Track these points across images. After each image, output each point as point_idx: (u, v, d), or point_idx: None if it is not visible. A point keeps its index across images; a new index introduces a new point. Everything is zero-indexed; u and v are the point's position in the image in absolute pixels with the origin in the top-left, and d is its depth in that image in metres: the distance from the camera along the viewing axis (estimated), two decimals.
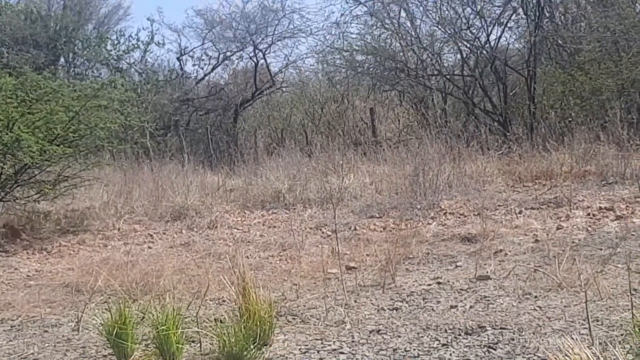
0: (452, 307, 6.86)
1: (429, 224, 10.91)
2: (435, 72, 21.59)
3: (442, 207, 11.74)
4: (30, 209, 12.58)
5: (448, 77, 21.49)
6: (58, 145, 11.69)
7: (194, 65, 26.11)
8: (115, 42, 25.77)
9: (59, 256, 10.55)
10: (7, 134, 11.16)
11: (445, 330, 6.18)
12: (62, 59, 26.03)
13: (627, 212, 10.42)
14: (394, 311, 6.89)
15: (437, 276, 8.06)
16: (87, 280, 8.22)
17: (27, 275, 9.48)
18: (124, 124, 13.61)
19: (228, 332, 5.87)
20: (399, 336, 6.14)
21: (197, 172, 16.13)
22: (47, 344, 6.68)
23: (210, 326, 6.28)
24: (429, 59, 21.71)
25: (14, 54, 21.09)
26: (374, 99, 22.90)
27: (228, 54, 25.66)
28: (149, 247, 10.69)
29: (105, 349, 6.29)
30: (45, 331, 7.09)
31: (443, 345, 5.85)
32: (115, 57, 25.53)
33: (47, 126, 11.79)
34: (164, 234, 11.63)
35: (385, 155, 15.63)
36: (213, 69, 26.00)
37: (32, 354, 6.45)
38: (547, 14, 20.26)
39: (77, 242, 11.21)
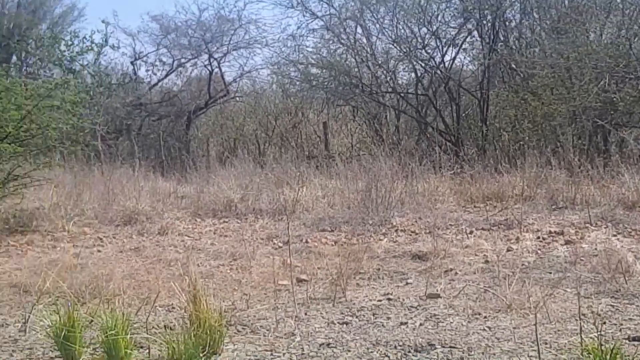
0: (402, 323, 6.87)
1: (380, 240, 10.93)
2: (390, 90, 21.68)
3: (394, 223, 11.77)
4: None
5: (402, 95, 21.59)
6: (9, 144, 11.57)
7: (147, 70, 26.00)
8: (69, 43, 25.56)
9: (6, 256, 10.43)
10: None
11: (395, 347, 6.18)
12: (14, 58, 25.79)
13: (577, 237, 10.51)
14: (344, 325, 6.89)
15: (388, 292, 8.07)
16: (35, 281, 8.14)
17: None
18: (75, 126, 13.50)
19: (177, 340, 5.85)
20: (349, 350, 6.14)
21: (148, 177, 16.06)
22: None
23: (160, 333, 6.24)
24: (384, 76, 21.79)
25: None
26: (328, 113, 22.97)
27: (182, 60, 25.59)
28: (99, 251, 10.60)
29: (52, 352, 6.23)
30: None
31: None
32: (68, 58, 25.32)
33: None
34: (114, 238, 11.54)
35: (338, 169, 15.64)
36: (167, 75, 25.90)
37: None
38: (502, 38, 20.45)
39: (26, 243, 11.11)
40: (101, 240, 11.33)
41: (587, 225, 11.31)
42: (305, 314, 7.28)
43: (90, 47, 25.65)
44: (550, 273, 8.65)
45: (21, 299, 7.83)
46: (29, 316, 7.00)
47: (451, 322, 6.85)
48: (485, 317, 6.97)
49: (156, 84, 26.14)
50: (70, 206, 12.91)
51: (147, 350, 6.16)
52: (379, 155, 14.84)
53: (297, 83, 23.97)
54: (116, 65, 26.96)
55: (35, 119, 12.08)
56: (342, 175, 15.11)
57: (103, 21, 26.10)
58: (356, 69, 21.65)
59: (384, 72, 21.66)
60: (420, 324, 6.84)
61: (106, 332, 5.80)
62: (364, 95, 21.48)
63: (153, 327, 6.52)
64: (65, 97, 12.90)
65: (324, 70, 22.59)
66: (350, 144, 21.70)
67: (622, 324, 6.58)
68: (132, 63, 26.01)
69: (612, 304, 7.31)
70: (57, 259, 9.55)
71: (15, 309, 7.63)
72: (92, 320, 6.63)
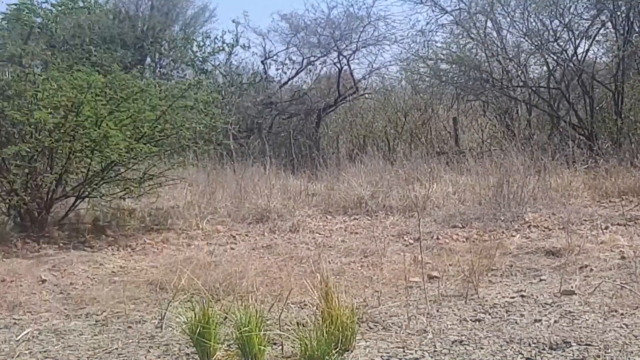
0: (536, 320, 6.76)
1: (512, 236, 10.80)
2: (521, 84, 21.33)
3: (527, 219, 11.60)
4: (115, 206, 12.76)
5: (534, 88, 21.22)
6: (144, 144, 11.85)
7: (277, 69, 26.17)
8: (201, 43, 26.03)
9: (143, 253, 10.68)
10: (95, 130, 11.34)
11: (529, 344, 6.10)
12: (148, 59, 26.34)
13: None
14: (477, 322, 6.83)
15: (521, 289, 7.95)
16: (171, 278, 8.30)
17: (112, 271, 9.62)
18: (208, 125, 13.70)
19: (310, 336, 5.88)
20: (482, 348, 6.08)
21: (279, 175, 16.17)
22: (130, 340, 6.76)
23: (292, 329, 6.29)
24: (515, 70, 21.45)
25: (102, 53, 21.37)
26: (458, 109, 22.76)
27: (312, 59, 25.65)
28: (232, 248, 10.76)
29: (187, 348, 6.35)
30: (129, 327, 7.17)
31: (527, 359, 5.78)
32: (200, 59, 25.77)
33: (134, 124, 11.97)
34: (247, 235, 11.69)
35: (469, 165, 15.51)
36: (296, 73, 26.03)
37: (116, 349, 6.53)
38: (637, 29, 19.93)
39: (161, 241, 11.34)
40: (234, 238, 11.49)
41: None
42: (437, 310, 7.24)
43: (221, 48, 26.08)
44: None
45: (157, 296, 8.00)
46: (165, 313, 7.15)
47: (587, 320, 6.71)
48: (622, 314, 6.81)
49: (286, 83, 26.32)
50: (203, 204, 13.13)
51: (280, 347, 6.22)
52: (510, 150, 14.64)
53: (427, 79, 23.79)
54: (247, 64, 27.28)
55: (170, 119, 12.32)
56: (473, 171, 14.98)
57: (234, 21, 26.55)
58: (486, 64, 21.37)
59: (515, 66, 21.33)
60: (555, 321, 6.73)
61: (240, 329, 5.88)
62: (495, 89, 21.19)
63: (286, 323, 6.56)
64: (198, 97, 13.11)
65: (454, 66, 22.40)
66: (481, 139, 21.44)
67: None
68: (262, 62, 26.27)
69: None
70: (192, 256, 9.74)
71: (152, 306, 7.79)
72: (226, 317, 6.73)
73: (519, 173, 13.04)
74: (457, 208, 12.72)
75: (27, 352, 6.60)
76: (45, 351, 6.60)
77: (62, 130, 11.43)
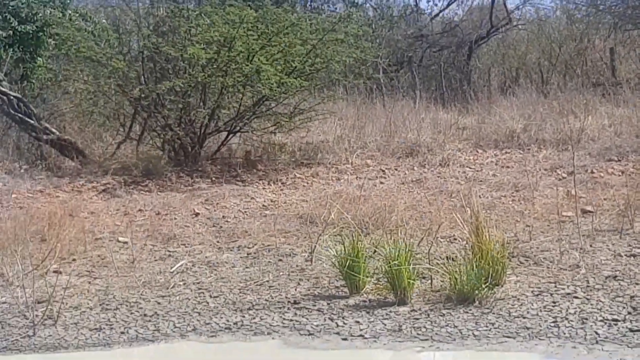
0: None
1: None
2: None
3: None
4: (266, 140, 12.90)
5: None
6: (295, 78, 11.90)
7: (428, 1, 25.93)
8: None
9: (293, 187, 10.79)
10: (247, 65, 11.46)
11: None
12: None
13: None
14: (632, 258, 6.70)
15: None
16: (320, 212, 8.39)
17: (263, 205, 9.76)
18: (358, 59, 13.67)
19: (460, 270, 5.90)
20: (637, 284, 5.98)
21: (429, 109, 16.02)
22: (281, 273, 6.88)
23: (442, 263, 6.30)
24: None
25: None
26: (615, 39, 22.03)
27: None
28: (381, 183, 10.76)
29: (337, 280, 6.42)
30: (280, 260, 7.29)
31: None
32: None
33: (285, 59, 12.05)
34: (396, 170, 11.65)
35: (626, 96, 15.07)
36: (448, 5, 25.65)
37: (267, 281, 6.66)
38: None
39: (311, 175, 11.42)
40: (383, 172, 11.48)
41: None
42: (591, 245, 7.11)
43: None
44: None
45: (307, 230, 8.09)
46: (315, 246, 7.23)
47: None
48: None
49: (437, 15, 25.97)
50: (353, 139, 13.12)
51: (430, 281, 6.23)
52: None
53: (583, 8, 23.18)
54: None
55: (320, 53, 12.36)
56: (630, 103, 14.56)
57: None
58: None
59: None
60: None
61: (390, 263, 5.92)
62: None
63: (435, 258, 6.57)
64: (349, 31, 13.04)
65: None
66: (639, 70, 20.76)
67: None
68: None
69: None
70: (341, 190, 9.80)
71: (302, 239, 7.89)
72: (375, 251, 6.77)
73: None
74: (613, 141, 12.37)
75: (181, 283, 6.80)
76: (198, 282, 6.78)
77: (214, 66, 11.62)
